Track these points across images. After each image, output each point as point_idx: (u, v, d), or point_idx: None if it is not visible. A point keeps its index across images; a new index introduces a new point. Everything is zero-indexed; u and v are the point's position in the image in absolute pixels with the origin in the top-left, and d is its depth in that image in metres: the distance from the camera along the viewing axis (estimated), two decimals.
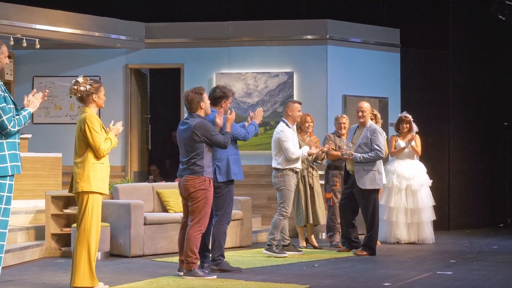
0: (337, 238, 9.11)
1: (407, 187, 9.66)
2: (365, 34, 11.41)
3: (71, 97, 6.05)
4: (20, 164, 5.42)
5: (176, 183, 9.19)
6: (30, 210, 8.84)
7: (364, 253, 8.35)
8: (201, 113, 6.72)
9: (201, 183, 6.55)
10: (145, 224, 8.33)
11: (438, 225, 10.60)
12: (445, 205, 11.71)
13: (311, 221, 8.95)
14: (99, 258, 7.74)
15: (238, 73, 11.08)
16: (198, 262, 6.67)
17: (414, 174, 9.71)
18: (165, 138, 12.99)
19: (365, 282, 6.44)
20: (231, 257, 7.80)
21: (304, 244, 9.10)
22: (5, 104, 5.26)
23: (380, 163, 8.58)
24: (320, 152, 8.95)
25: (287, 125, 8.33)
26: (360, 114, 8.46)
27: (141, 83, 11.85)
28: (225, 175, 7.00)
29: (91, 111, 5.94)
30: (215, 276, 6.63)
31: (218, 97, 7.15)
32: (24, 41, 10.25)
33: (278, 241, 8.29)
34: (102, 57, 11.25)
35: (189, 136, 6.60)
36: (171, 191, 9.13)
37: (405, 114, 9.95)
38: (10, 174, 5.29)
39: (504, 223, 12.82)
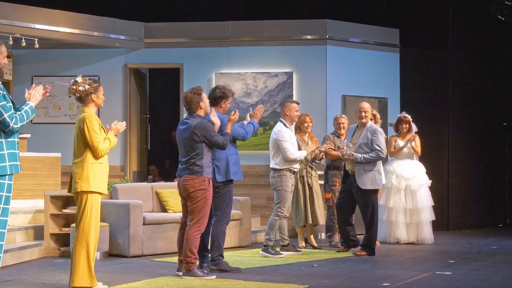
0: (336, 238, 9.10)
1: (407, 187, 9.66)
2: (365, 34, 11.41)
3: (70, 96, 6.05)
4: (19, 163, 5.41)
5: (175, 183, 9.19)
6: (29, 210, 8.83)
7: (363, 253, 8.35)
8: (201, 113, 6.72)
9: (200, 183, 6.54)
10: (144, 224, 8.32)
11: (437, 225, 10.60)
12: (444, 205, 11.71)
13: (310, 221, 8.94)
14: (98, 258, 7.75)
15: (237, 73, 11.08)
16: (197, 262, 6.67)
17: (413, 174, 9.71)
18: (164, 138, 12.99)
19: (364, 282, 6.44)
20: (230, 257, 7.79)
21: (303, 244, 9.09)
22: (5, 102, 5.26)
23: (379, 163, 8.58)
24: (318, 151, 8.94)
25: (284, 125, 8.32)
26: (362, 114, 8.45)
27: (140, 83, 11.85)
28: (224, 175, 7.00)
29: (90, 111, 5.94)
30: (214, 276, 6.63)
31: (218, 97, 7.14)
32: (23, 40, 10.24)
33: (275, 242, 8.29)
34: (101, 57, 11.24)
35: (189, 136, 6.60)
36: (170, 191, 9.12)
37: (404, 114, 9.95)
38: (8, 173, 5.29)
39: (504, 223, 12.83)
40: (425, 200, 9.70)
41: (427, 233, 9.70)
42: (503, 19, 11.56)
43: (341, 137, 9.12)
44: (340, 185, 8.97)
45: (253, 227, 9.81)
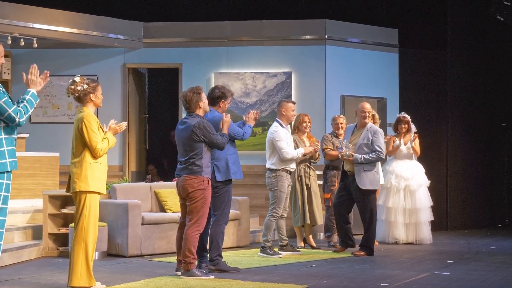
0: (335, 238, 9.10)
1: (406, 187, 9.66)
2: (364, 34, 11.41)
3: (69, 96, 6.01)
4: (16, 159, 5.42)
5: (174, 183, 9.18)
6: (28, 209, 8.83)
7: (362, 253, 8.35)
8: (200, 112, 6.71)
9: (199, 183, 6.54)
10: (142, 224, 8.32)
11: (436, 226, 10.60)
12: (443, 205, 11.72)
13: (308, 221, 8.94)
14: (96, 258, 7.74)
15: (236, 73, 11.07)
16: (196, 262, 6.66)
17: (412, 174, 9.71)
18: (163, 137, 12.98)
19: (362, 282, 6.43)
20: (229, 257, 7.79)
21: (302, 244, 9.09)
22: (6, 98, 5.27)
23: (378, 164, 8.60)
24: (314, 151, 8.92)
25: (280, 125, 8.31)
26: (365, 114, 8.44)
27: (139, 83, 11.84)
28: (224, 174, 6.99)
29: (88, 110, 5.93)
30: (212, 276, 6.63)
31: (217, 97, 7.14)
32: (22, 40, 10.23)
33: (273, 242, 8.28)
34: (100, 57, 11.23)
35: (188, 135, 6.59)
36: (169, 191, 9.12)
37: (403, 114, 9.96)
38: (9, 169, 5.29)
39: (502, 223, 12.83)
40: (424, 200, 9.70)
41: (426, 233, 9.70)
42: (502, 19, 11.56)
43: (339, 137, 9.11)
44: (338, 185, 8.97)
45: (251, 227, 9.81)
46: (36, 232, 8.40)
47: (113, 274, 6.83)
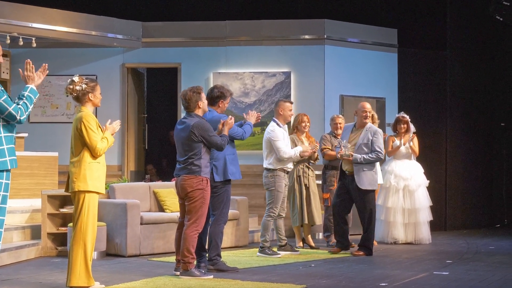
0: (334, 238, 9.08)
1: (405, 187, 9.66)
2: (363, 34, 11.40)
3: (67, 96, 6.01)
4: (16, 158, 5.42)
5: (172, 183, 9.18)
6: (26, 209, 8.82)
7: (361, 253, 8.34)
8: (199, 112, 6.70)
9: (198, 183, 6.53)
10: (141, 223, 8.31)
11: (435, 226, 10.60)
12: (442, 205, 11.72)
13: (306, 221, 8.92)
14: (95, 257, 7.73)
15: (235, 73, 11.07)
16: (195, 262, 6.66)
17: (411, 174, 9.71)
18: (162, 137, 12.97)
19: (361, 282, 6.43)
20: (228, 257, 7.79)
21: (301, 244, 9.08)
22: (5, 96, 5.27)
23: (377, 164, 8.59)
24: (313, 152, 8.91)
25: (278, 124, 8.30)
26: (366, 114, 8.42)
27: (138, 82, 11.84)
28: (222, 174, 6.99)
29: (87, 110, 5.92)
30: (211, 276, 6.62)
31: (216, 96, 7.13)
32: (21, 39, 10.23)
33: (271, 242, 8.27)
34: (99, 56, 11.23)
35: (187, 135, 6.58)
36: (167, 190, 9.11)
37: (402, 114, 9.95)
38: (9, 168, 5.29)
39: (501, 223, 12.84)
40: (423, 200, 9.70)
41: (425, 233, 9.70)
42: (501, 19, 11.56)
43: (338, 137, 9.10)
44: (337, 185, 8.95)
45: (250, 227, 9.81)
46: (35, 232, 8.39)
47: (112, 274, 6.82)
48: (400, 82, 11.70)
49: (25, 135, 9.64)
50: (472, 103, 12.35)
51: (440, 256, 8.42)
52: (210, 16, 11.39)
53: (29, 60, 5.50)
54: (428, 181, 9.89)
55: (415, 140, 9.80)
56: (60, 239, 8.31)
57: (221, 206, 7.01)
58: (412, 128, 9.88)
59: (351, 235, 9.52)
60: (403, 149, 9.79)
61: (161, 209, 9.02)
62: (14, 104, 5.32)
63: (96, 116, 6.04)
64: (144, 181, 10.86)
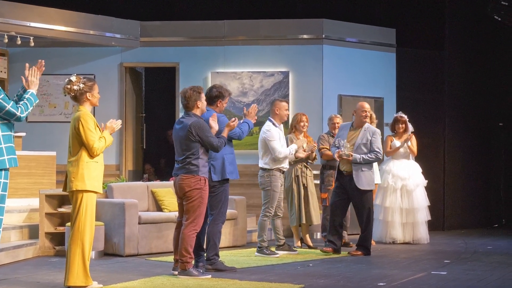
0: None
1: (403, 187, 9.66)
2: (361, 34, 11.40)
3: (65, 95, 6.01)
4: (16, 156, 5.42)
5: (170, 182, 9.17)
6: (24, 208, 8.81)
7: (359, 253, 8.34)
8: (197, 112, 6.69)
9: (196, 183, 6.53)
10: (139, 223, 8.31)
11: (433, 225, 10.61)
12: (440, 205, 11.72)
13: (304, 221, 8.91)
14: (93, 257, 7.73)
15: (233, 72, 11.06)
16: (193, 262, 6.65)
17: (409, 174, 9.71)
18: (160, 137, 12.96)
19: (359, 282, 6.43)
20: (226, 257, 7.78)
21: (299, 243, 9.08)
22: (3, 95, 5.27)
23: (374, 163, 8.58)
24: (311, 152, 8.91)
25: (273, 124, 8.29)
26: (365, 114, 8.41)
27: (136, 82, 11.83)
28: (220, 174, 6.98)
29: (85, 109, 5.91)
30: (209, 276, 6.62)
31: (214, 96, 7.12)
32: (19, 38, 10.21)
33: (269, 242, 8.26)
34: (97, 56, 11.22)
35: (185, 135, 6.58)
36: (165, 190, 9.11)
37: (400, 114, 9.95)
38: (7, 167, 5.28)
39: (499, 223, 12.85)
40: (421, 200, 9.70)
41: (423, 233, 9.70)
42: (499, 19, 11.57)
43: None
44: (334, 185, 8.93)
45: (248, 227, 9.80)
46: (33, 231, 8.38)
47: (110, 274, 6.81)
48: (398, 82, 11.70)
49: (23, 134, 9.63)
50: (470, 103, 12.36)
51: (438, 256, 8.42)
52: (208, 16, 11.38)
53: (34, 67, 5.56)
54: (426, 181, 9.89)
55: (414, 140, 9.80)
56: (58, 239, 8.30)
57: (219, 206, 7.00)
58: (410, 128, 9.88)
59: (349, 234, 9.54)
60: (401, 149, 9.79)
61: (159, 208, 9.01)
62: (12, 102, 5.32)
63: (94, 116, 6.03)
64: (142, 181, 10.84)
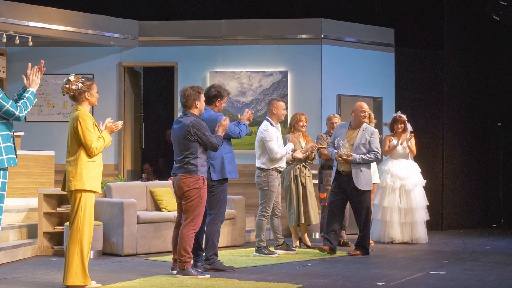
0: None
1: (401, 186, 9.66)
2: (360, 34, 11.41)
3: (64, 95, 6.01)
4: (15, 156, 5.41)
5: (169, 182, 9.18)
6: (23, 208, 8.80)
7: (358, 252, 8.34)
8: (195, 111, 6.69)
9: (195, 182, 6.52)
10: (138, 223, 8.30)
11: (431, 225, 10.61)
12: (438, 205, 11.73)
13: (302, 221, 8.91)
14: (91, 256, 7.72)
15: (232, 72, 11.06)
16: (192, 261, 6.65)
17: (408, 174, 9.71)
18: (158, 136, 12.96)
19: (358, 281, 6.43)
20: (225, 256, 7.78)
21: (298, 243, 9.07)
22: (2, 94, 5.27)
23: (373, 163, 8.59)
24: (311, 152, 8.90)
25: (271, 123, 8.27)
26: (364, 114, 8.40)
27: (134, 81, 11.82)
28: (220, 173, 6.98)
29: (83, 109, 5.91)
30: (208, 275, 6.61)
31: (213, 96, 7.12)
32: (17, 38, 10.21)
33: (268, 241, 8.25)
34: (95, 55, 11.21)
35: (183, 134, 6.58)
36: (164, 189, 9.10)
37: (399, 114, 9.96)
38: (6, 166, 5.27)
39: (498, 223, 12.85)
40: (419, 199, 9.71)
41: (421, 233, 9.70)
42: (498, 19, 11.57)
43: None
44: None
45: (247, 226, 9.80)
46: (31, 231, 8.38)
47: (109, 273, 6.81)
48: (397, 82, 11.70)
49: (22, 134, 9.62)
50: (469, 102, 12.36)
51: (437, 255, 8.42)
52: (207, 15, 11.38)
53: (36, 66, 5.56)
54: (425, 181, 9.89)
55: (413, 139, 9.80)
56: (56, 238, 8.30)
57: (218, 205, 7.00)
58: (409, 127, 9.89)
59: (347, 234, 9.54)
60: (400, 148, 9.79)
61: (157, 208, 9.01)
62: (12, 101, 5.32)
63: (92, 115, 6.03)
64: (141, 180, 10.84)
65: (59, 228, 8.24)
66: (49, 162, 9.47)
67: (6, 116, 5.28)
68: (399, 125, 9.83)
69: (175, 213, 6.94)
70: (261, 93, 11.02)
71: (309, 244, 9.05)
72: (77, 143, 5.82)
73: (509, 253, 8.80)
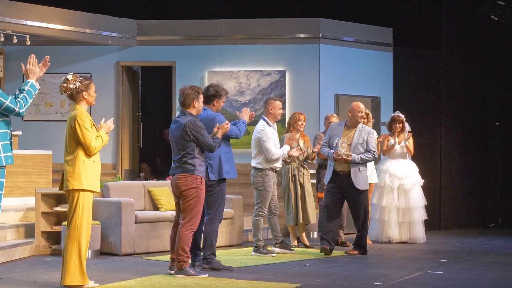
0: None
1: (399, 186, 9.66)
2: (358, 33, 11.40)
3: (61, 94, 5.99)
4: (12, 154, 5.40)
5: (167, 182, 9.17)
6: (20, 207, 8.79)
7: (356, 252, 8.34)
8: (193, 111, 6.69)
9: (192, 182, 6.52)
10: (136, 222, 8.29)
11: (429, 225, 10.61)
12: (436, 204, 11.73)
13: (301, 221, 8.91)
14: (89, 256, 7.71)
15: (230, 71, 11.05)
16: (190, 261, 6.64)
17: (406, 173, 9.71)
18: (156, 136, 12.95)
19: (356, 281, 6.43)
20: (222, 256, 7.78)
21: (296, 243, 9.07)
22: (0, 91, 5.26)
23: (370, 163, 8.59)
24: (311, 151, 8.89)
25: (267, 123, 8.26)
26: (361, 114, 8.39)
27: (132, 81, 11.81)
28: (217, 173, 6.97)
29: (81, 108, 5.90)
30: (206, 275, 6.61)
31: (211, 95, 7.12)
32: (15, 37, 10.20)
33: (265, 241, 8.25)
34: (93, 54, 11.20)
35: (180, 134, 6.57)
36: (162, 189, 9.09)
37: (397, 113, 9.96)
38: (4, 164, 5.27)
39: (495, 223, 12.86)
40: (417, 199, 9.71)
41: (419, 232, 9.71)
42: (496, 19, 11.58)
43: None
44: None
45: (245, 226, 9.79)
46: (29, 230, 8.37)
47: (106, 273, 6.80)
48: (395, 81, 11.70)
49: (19, 133, 9.61)
50: (467, 102, 12.37)
51: (435, 255, 8.43)
52: (205, 15, 11.37)
53: (33, 54, 5.51)
54: (423, 180, 9.89)
55: (411, 139, 9.80)
56: (54, 238, 8.29)
57: (216, 205, 6.99)
58: (407, 127, 9.89)
59: (346, 234, 9.54)
60: (398, 148, 9.79)
61: (155, 207, 9.00)
62: (11, 97, 5.31)
63: (90, 115, 6.02)
64: (139, 180, 10.83)
65: (56, 228, 8.23)
66: (47, 161, 9.46)
67: (6, 113, 5.27)
68: (397, 125, 9.83)
69: (173, 213, 6.93)
70: (259, 93, 11.01)
71: (307, 243, 9.05)
72: (75, 143, 5.81)
73: (506, 253, 8.81)
